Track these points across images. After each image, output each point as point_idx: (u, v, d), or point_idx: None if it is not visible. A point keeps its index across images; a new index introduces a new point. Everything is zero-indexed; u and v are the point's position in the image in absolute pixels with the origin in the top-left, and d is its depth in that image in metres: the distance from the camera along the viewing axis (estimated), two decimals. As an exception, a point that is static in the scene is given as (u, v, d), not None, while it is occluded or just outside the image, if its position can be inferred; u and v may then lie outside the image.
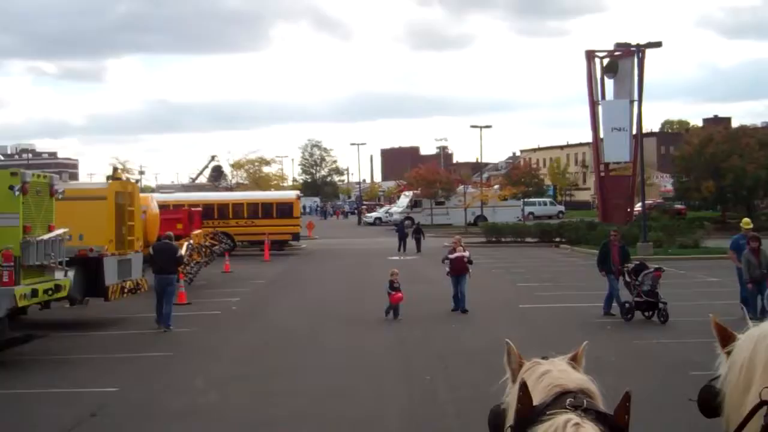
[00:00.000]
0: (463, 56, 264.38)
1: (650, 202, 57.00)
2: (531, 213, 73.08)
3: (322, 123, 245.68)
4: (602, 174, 53.07)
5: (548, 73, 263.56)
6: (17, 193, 13.93)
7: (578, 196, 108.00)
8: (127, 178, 27.23)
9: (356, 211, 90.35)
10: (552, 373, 2.59)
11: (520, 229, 49.90)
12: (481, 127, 68.91)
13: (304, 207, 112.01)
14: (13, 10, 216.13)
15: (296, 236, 44.57)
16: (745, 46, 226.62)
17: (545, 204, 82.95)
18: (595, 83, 52.46)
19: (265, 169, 71.40)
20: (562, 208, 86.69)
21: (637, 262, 19.72)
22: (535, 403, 2.45)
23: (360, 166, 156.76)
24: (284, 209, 43.51)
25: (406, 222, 55.71)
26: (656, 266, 19.09)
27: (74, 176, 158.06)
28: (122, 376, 13.49)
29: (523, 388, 2.47)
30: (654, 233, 39.58)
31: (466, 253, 20.36)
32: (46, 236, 14.77)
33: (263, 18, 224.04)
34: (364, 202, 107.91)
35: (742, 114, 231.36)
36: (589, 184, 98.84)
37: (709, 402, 2.92)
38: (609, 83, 53.06)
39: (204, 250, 28.06)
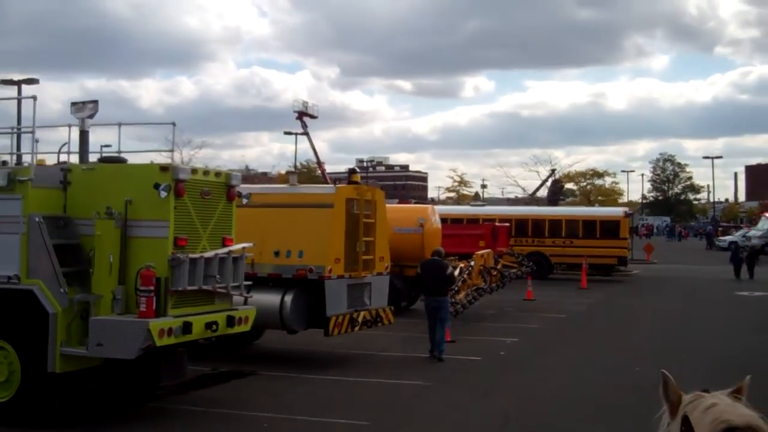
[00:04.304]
0: None
1: None
2: None
3: (679, 138, 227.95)
4: None
5: None
6: (163, 193, 10.40)
7: None
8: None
9: (707, 234, 79.96)
10: (718, 406, 2.45)
11: None
12: None
13: (651, 227, 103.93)
14: (373, 32, 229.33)
15: (623, 260, 38.16)
16: None
17: None
18: None
19: (598, 182, 64.75)
20: None
21: None
22: None
23: (716, 184, 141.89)
24: (609, 228, 37.28)
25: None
26: None
27: (423, 188, 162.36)
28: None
29: (686, 422, 2.40)
30: None
31: None
32: (209, 253, 11.11)
33: (617, 29, 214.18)
34: (722, 224, 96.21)
35: None
36: None
37: None
38: None
39: (491, 273, 23.41)
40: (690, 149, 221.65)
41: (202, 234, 11.18)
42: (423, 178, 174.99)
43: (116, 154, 12.23)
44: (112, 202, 10.64)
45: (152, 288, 10.24)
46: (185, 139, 62.93)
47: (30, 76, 35.14)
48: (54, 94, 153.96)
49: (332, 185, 16.39)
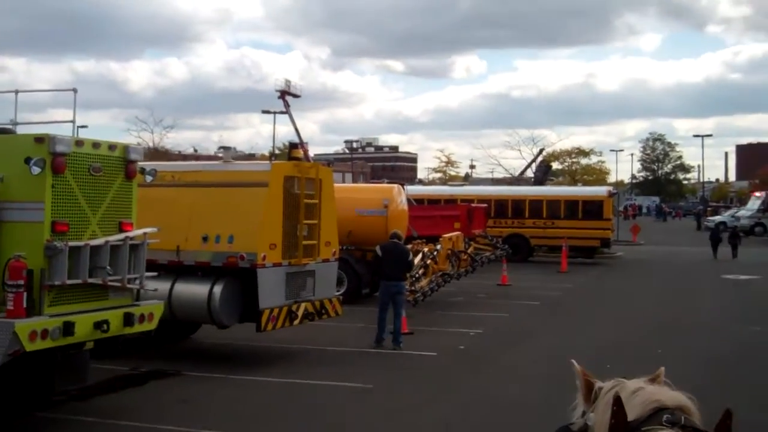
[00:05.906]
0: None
1: None
2: None
3: (670, 118, 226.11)
4: None
5: None
6: (35, 169, 8.74)
7: None
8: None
9: (697, 214, 78.55)
10: (647, 389, 2.36)
11: None
12: None
13: (639, 207, 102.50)
14: (365, 12, 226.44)
15: (606, 242, 36.62)
16: None
17: None
18: None
19: (584, 162, 63.01)
20: None
21: None
22: (629, 419, 2.25)
23: (706, 164, 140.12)
24: (592, 209, 35.70)
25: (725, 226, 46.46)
26: None
27: (412, 170, 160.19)
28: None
29: (618, 402, 2.27)
30: None
31: None
32: (99, 240, 9.46)
33: (608, 8, 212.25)
34: (711, 204, 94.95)
35: None
36: None
37: None
38: None
39: (460, 257, 21.82)
40: (681, 129, 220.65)
41: (90, 218, 9.54)
42: (413, 159, 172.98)
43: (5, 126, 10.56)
44: (-18, 181, 9.00)
45: (22, 282, 8.62)
46: (156, 118, 61.26)
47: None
48: (43, 75, 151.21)
49: (267, 162, 14.68)
